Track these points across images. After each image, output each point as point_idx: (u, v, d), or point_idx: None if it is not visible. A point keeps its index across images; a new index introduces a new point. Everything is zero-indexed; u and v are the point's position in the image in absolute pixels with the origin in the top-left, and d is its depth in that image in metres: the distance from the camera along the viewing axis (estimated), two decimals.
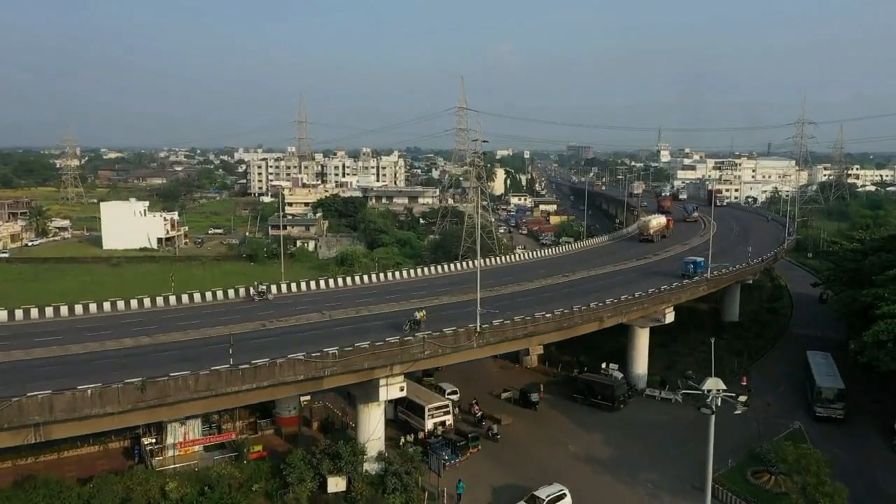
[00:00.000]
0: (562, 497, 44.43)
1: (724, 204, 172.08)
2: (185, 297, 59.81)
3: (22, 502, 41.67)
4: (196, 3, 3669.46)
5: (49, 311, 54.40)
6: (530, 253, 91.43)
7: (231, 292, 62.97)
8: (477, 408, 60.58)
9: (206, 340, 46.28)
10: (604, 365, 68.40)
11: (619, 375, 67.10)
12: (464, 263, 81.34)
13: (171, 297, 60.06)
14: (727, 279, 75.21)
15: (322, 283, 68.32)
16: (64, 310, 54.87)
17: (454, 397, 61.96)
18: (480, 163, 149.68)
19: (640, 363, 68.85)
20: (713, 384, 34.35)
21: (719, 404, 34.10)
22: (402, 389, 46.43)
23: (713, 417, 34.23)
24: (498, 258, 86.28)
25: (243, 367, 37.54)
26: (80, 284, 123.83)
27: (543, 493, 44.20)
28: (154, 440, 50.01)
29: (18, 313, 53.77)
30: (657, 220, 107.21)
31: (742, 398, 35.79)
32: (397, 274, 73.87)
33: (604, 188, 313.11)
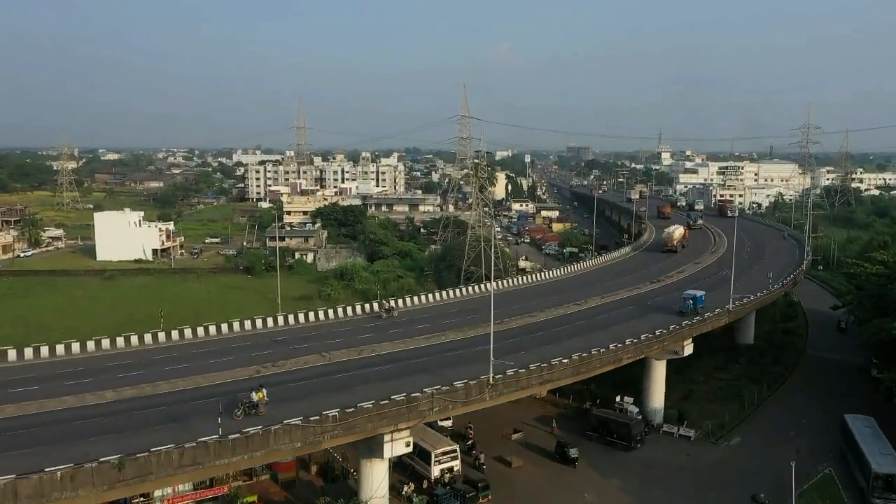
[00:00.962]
0: None
1: (735, 215, 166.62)
2: (174, 334, 56.05)
3: None
4: (195, 3, 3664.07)
5: (28, 351, 50.64)
6: (538, 275, 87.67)
7: (224, 326, 59.22)
8: (471, 433, 57.52)
9: (196, 392, 42.63)
10: (618, 398, 64.82)
11: (635, 410, 63.58)
12: (471, 288, 77.62)
13: (160, 333, 56.31)
14: (748, 309, 71.59)
15: (321, 314, 64.37)
16: (44, 350, 51.08)
17: (447, 423, 58.91)
18: (484, 175, 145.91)
19: (657, 397, 65.26)
20: None
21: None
22: (408, 445, 42.81)
23: None
24: (505, 281, 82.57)
25: (233, 437, 33.92)
26: (72, 300, 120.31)
27: None
28: (141, 497, 46.36)
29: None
30: (678, 231, 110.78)
31: None
32: (401, 301, 69.95)
33: (601, 192, 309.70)
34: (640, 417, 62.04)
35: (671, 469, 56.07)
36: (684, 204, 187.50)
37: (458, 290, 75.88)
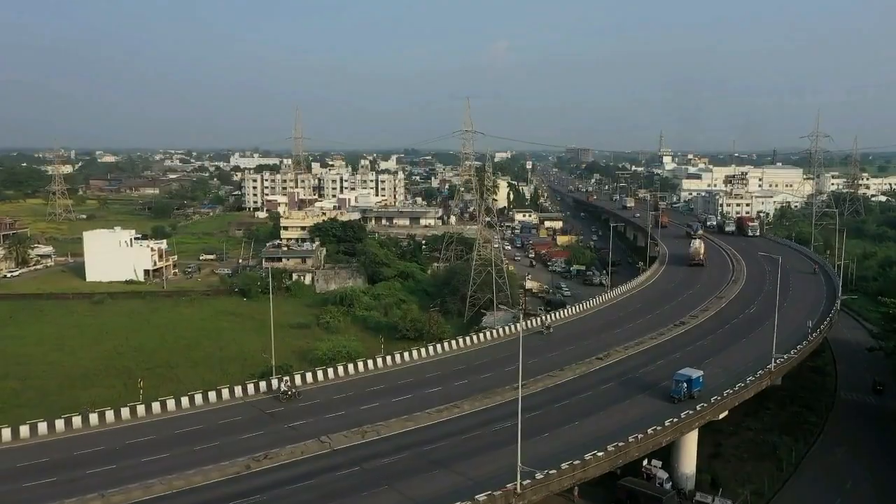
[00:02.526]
0: None
1: (757, 234, 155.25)
2: (155, 406, 50.02)
3: None
4: (193, 5, 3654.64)
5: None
6: (554, 314, 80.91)
7: (213, 394, 53.05)
8: None
9: (174, 499, 36.66)
10: (645, 462, 59.02)
11: (665, 476, 57.65)
12: (481, 335, 71.42)
13: (138, 406, 50.27)
14: (790, 367, 65.38)
15: (320, 373, 58.28)
16: (6, 433, 44.98)
17: None
18: (490, 196, 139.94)
19: (688, 462, 59.43)
20: None
21: None
22: None
23: None
24: (516, 325, 75.27)
25: None
26: (59, 329, 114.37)
27: None
28: None
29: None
30: (702, 246, 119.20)
31: None
32: (406, 355, 63.57)
33: (594, 198, 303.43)
34: (673, 491, 56.20)
35: None
36: (714, 224, 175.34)
37: (465, 339, 69.53)
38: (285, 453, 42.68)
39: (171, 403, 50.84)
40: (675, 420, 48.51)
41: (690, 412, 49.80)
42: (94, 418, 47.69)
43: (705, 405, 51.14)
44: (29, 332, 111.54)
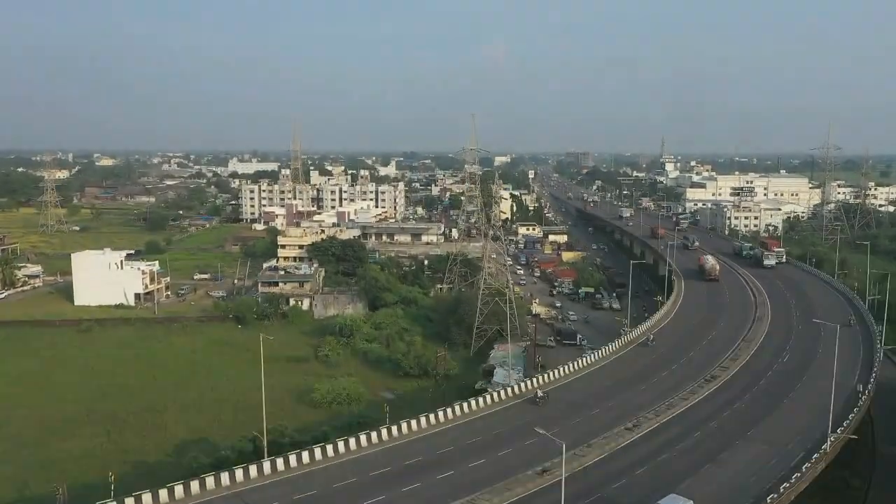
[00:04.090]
0: None
1: (775, 264, 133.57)
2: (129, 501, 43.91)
3: None
4: (192, 9, 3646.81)
5: None
6: (567, 367, 74.11)
7: (195, 484, 46.84)
8: None
9: None
10: None
11: None
12: (494, 395, 65.18)
13: None
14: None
15: (306, 454, 51.39)
16: None
17: None
18: (499, 210, 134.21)
19: None
20: None
21: None
22: None
23: None
24: (515, 387, 68.38)
25: None
26: (43, 363, 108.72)
27: None
28: None
29: None
30: (714, 261, 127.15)
31: None
32: (413, 424, 57.23)
33: (593, 205, 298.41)
34: None
35: None
36: (741, 249, 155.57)
37: (470, 405, 62.13)
38: None
39: (146, 498, 44.46)
40: None
41: None
42: None
43: (776, 496, 44.52)
44: (10, 367, 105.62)
